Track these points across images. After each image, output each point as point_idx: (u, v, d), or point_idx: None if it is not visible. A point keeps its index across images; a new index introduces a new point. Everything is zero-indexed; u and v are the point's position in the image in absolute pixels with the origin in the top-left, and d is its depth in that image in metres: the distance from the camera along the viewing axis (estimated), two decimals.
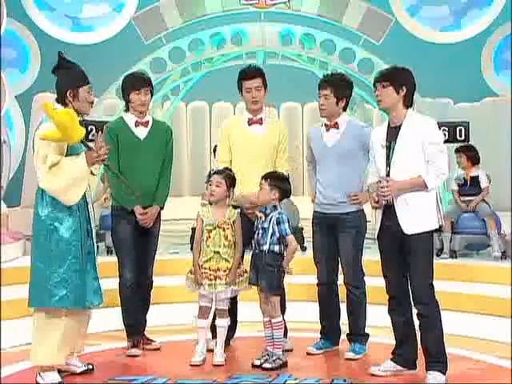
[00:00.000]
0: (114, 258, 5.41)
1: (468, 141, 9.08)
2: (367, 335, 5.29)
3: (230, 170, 5.16)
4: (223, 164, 5.32)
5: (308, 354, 5.26)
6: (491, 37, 12.50)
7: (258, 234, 4.98)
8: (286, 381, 4.64)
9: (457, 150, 8.67)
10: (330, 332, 5.37)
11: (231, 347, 5.37)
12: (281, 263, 4.94)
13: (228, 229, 5.03)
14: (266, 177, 5.03)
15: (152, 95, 5.44)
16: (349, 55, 9.84)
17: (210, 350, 5.07)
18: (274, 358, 4.91)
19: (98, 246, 4.98)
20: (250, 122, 5.39)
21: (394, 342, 4.82)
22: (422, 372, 4.64)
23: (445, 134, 8.74)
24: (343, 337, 5.36)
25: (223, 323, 5.08)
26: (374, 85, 4.73)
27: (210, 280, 4.97)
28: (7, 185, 10.03)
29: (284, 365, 4.91)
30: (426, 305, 4.56)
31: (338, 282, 5.35)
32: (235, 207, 5.15)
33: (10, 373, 4.82)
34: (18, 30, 12.30)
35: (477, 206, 8.45)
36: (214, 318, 5.19)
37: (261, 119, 5.39)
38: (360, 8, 9.79)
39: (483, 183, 8.51)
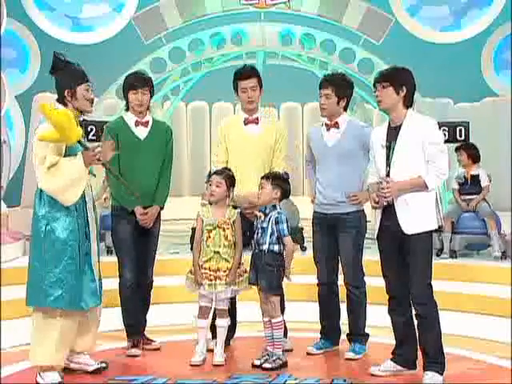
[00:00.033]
0: (114, 258, 5.41)
1: (468, 141, 9.07)
2: (367, 335, 5.29)
3: (230, 170, 5.16)
4: (220, 164, 5.33)
5: (308, 353, 5.26)
6: (491, 37, 12.49)
7: (258, 233, 4.98)
8: (285, 381, 4.65)
9: (457, 148, 8.66)
10: (330, 332, 5.37)
11: (231, 347, 5.38)
12: (280, 263, 4.94)
13: (228, 229, 5.03)
14: (267, 176, 5.03)
15: (152, 95, 5.44)
16: (349, 55, 9.84)
17: (210, 350, 5.07)
18: (274, 357, 4.91)
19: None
20: (246, 122, 5.40)
21: (393, 342, 4.82)
22: (421, 372, 4.64)
23: (445, 134, 8.73)
24: (343, 337, 5.36)
25: (223, 323, 5.08)
26: (374, 85, 4.73)
27: (210, 280, 4.97)
28: (7, 185, 10.03)
29: (284, 365, 4.92)
30: (425, 305, 4.56)
31: (338, 282, 5.35)
32: (235, 207, 5.15)
33: (10, 373, 4.82)
34: (17, 29, 12.28)
35: (477, 206, 8.45)
36: (213, 318, 5.19)
37: (257, 119, 5.40)
38: (360, 8, 9.79)
39: (484, 182, 8.49)
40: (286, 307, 5.33)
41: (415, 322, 4.66)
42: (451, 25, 12.88)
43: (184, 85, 10.60)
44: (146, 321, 5.43)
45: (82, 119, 4.82)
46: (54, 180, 4.48)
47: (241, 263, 5.08)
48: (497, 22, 12.46)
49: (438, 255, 8.21)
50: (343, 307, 5.31)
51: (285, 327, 5.17)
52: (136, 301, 5.31)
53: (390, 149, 4.62)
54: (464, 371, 4.85)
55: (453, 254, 8.36)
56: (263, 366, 4.87)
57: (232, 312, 5.27)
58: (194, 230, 5.76)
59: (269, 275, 4.92)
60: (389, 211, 4.63)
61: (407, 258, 4.59)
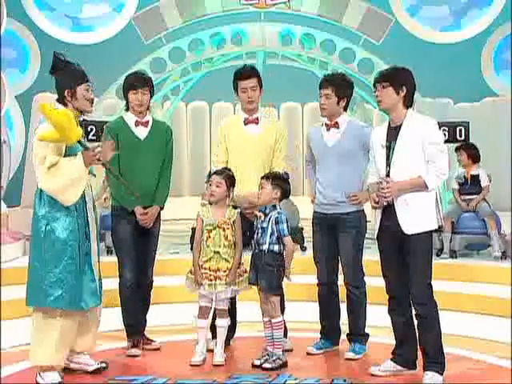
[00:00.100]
0: (114, 258, 5.41)
1: (468, 141, 9.07)
2: (367, 335, 5.29)
3: (230, 170, 5.16)
4: (220, 164, 5.33)
5: (308, 353, 5.26)
6: (491, 37, 12.48)
7: (258, 233, 4.98)
8: (285, 381, 4.65)
9: (457, 148, 8.66)
10: (330, 332, 5.37)
11: (231, 347, 5.38)
12: (280, 263, 4.94)
13: (228, 229, 5.03)
14: (267, 176, 5.03)
15: (152, 95, 5.44)
16: (349, 55, 9.84)
17: (210, 350, 5.07)
18: (274, 357, 4.91)
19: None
20: (246, 122, 5.40)
21: (394, 342, 4.82)
22: (421, 372, 4.64)
23: (445, 134, 8.73)
24: (343, 337, 5.36)
25: (223, 323, 5.08)
26: (374, 85, 4.73)
27: (210, 280, 4.97)
28: (7, 185, 10.02)
29: (284, 365, 4.92)
30: (425, 305, 4.56)
31: (338, 282, 5.35)
32: (235, 207, 5.15)
33: (10, 373, 4.83)
34: (17, 29, 12.28)
35: (477, 206, 8.45)
36: (213, 318, 5.19)
37: (257, 119, 5.40)
38: (360, 8, 9.79)
39: (484, 182, 8.49)
40: (286, 307, 5.33)
41: (415, 322, 4.66)
42: (451, 25, 12.87)
43: (184, 85, 10.60)
44: (145, 321, 5.43)
45: (82, 119, 4.83)
46: (54, 180, 4.49)
47: (241, 263, 5.08)
48: (497, 22, 12.46)
49: (438, 255, 8.21)
50: (343, 307, 5.31)
51: (285, 327, 5.17)
52: (136, 301, 5.31)
53: (390, 149, 4.62)
54: (464, 371, 4.85)
55: (453, 254, 8.36)
56: (263, 366, 4.87)
57: (232, 312, 5.27)
58: (193, 229, 5.76)
59: (269, 275, 4.92)
60: (389, 211, 4.63)
61: (407, 258, 4.59)
